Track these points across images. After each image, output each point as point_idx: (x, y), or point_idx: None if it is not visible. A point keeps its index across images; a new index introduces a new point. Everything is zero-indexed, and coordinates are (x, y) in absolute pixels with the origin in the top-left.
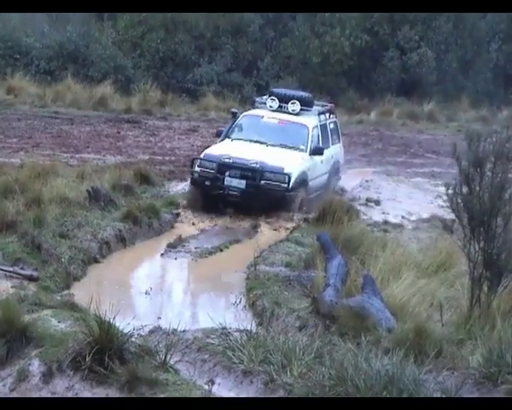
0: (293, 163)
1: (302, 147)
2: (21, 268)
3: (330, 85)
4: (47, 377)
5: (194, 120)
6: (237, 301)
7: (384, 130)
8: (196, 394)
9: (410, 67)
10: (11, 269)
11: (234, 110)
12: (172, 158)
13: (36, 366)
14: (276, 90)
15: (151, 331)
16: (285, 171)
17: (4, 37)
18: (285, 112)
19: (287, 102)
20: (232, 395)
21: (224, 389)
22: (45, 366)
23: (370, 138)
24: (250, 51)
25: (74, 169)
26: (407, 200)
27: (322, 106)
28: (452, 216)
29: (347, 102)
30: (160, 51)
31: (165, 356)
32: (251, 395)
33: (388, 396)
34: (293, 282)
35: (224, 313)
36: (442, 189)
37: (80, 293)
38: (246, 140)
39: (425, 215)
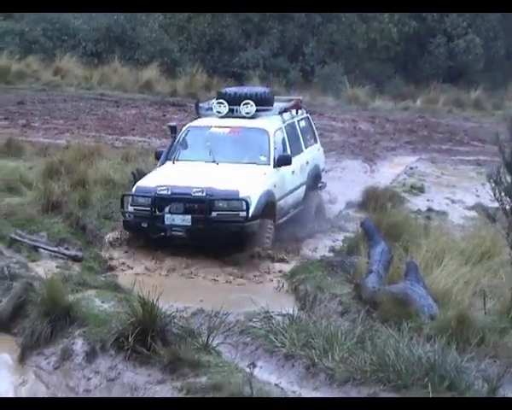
0: (251, 183)
1: (263, 159)
2: (66, 248)
3: (376, 72)
4: (90, 356)
5: None
6: (280, 286)
7: (430, 117)
8: (238, 376)
9: (457, 54)
10: (56, 249)
11: (172, 124)
12: None
13: (79, 346)
14: (223, 90)
15: (193, 313)
16: (241, 195)
17: (52, 19)
18: (238, 116)
19: (239, 104)
20: (273, 378)
21: (265, 372)
22: (89, 345)
23: (416, 125)
24: (296, 36)
25: (119, 151)
26: (451, 188)
27: (287, 101)
28: (496, 205)
29: (393, 89)
30: (207, 35)
31: (208, 338)
32: (292, 379)
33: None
34: (336, 267)
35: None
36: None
37: (124, 274)
38: (191, 160)
39: (469, 203)
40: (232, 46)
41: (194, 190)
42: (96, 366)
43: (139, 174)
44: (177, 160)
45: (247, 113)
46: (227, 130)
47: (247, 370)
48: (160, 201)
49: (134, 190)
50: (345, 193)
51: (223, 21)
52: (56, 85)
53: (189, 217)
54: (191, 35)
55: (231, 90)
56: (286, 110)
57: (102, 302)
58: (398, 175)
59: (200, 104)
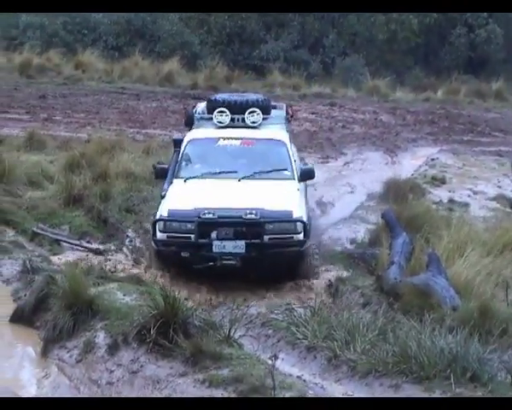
0: (294, 202)
1: (287, 173)
2: (88, 242)
3: (396, 63)
4: (112, 349)
5: None
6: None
7: (451, 108)
8: (260, 368)
9: (478, 45)
10: (78, 242)
11: (177, 137)
12: None
13: (102, 339)
14: (220, 97)
15: (215, 306)
16: (294, 216)
17: (72, 13)
18: (240, 126)
19: (242, 113)
20: (295, 370)
21: (287, 364)
22: (111, 338)
23: (437, 116)
24: (316, 28)
25: (140, 144)
26: (473, 179)
27: (284, 108)
28: None
29: (414, 80)
30: (227, 27)
31: (229, 331)
32: (314, 371)
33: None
34: (358, 259)
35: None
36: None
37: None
38: (205, 177)
39: (491, 194)
40: (252, 39)
41: (247, 211)
42: (118, 358)
43: (160, 168)
44: (188, 178)
45: (254, 122)
46: (238, 142)
47: (269, 362)
48: (205, 226)
49: (166, 213)
50: (366, 185)
51: (243, 14)
52: (78, 79)
53: (242, 243)
54: (211, 28)
55: (230, 97)
56: (290, 118)
57: (124, 295)
58: (419, 166)
59: (195, 112)
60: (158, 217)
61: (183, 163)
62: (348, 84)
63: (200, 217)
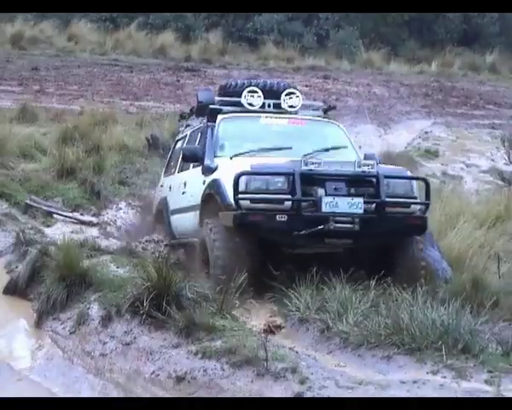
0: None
1: (351, 154)
2: (81, 214)
3: (390, 35)
4: (106, 321)
5: (253, 70)
6: None
7: (445, 81)
8: (252, 340)
9: (472, 17)
10: (71, 215)
11: (215, 106)
12: None
13: (95, 310)
14: (251, 81)
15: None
16: (407, 174)
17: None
18: (274, 112)
19: (277, 96)
20: (288, 342)
21: (280, 336)
22: (104, 310)
23: (431, 89)
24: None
25: (133, 117)
26: (466, 152)
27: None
28: (511, 168)
29: (408, 53)
30: None
31: (222, 302)
32: (307, 342)
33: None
34: None
35: None
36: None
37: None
38: (255, 155)
39: (484, 167)
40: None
41: (360, 163)
42: (111, 330)
43: (153, 140)
44: (234, 155)
45: (292, 106)
46: (285, 121)
47: (262, 334)
48: (310, 179)
49: (252, 168)
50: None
51: None
52: (70, 51)
53: (359, 200)
54: None
55: (263, 81)
56: (329, 109)
57: (117, 267)
58: (412, 139)
59: (215, 96)
60: (236, 174)
61: (222, 142)
62: (342, 56)
63: (301, 168)
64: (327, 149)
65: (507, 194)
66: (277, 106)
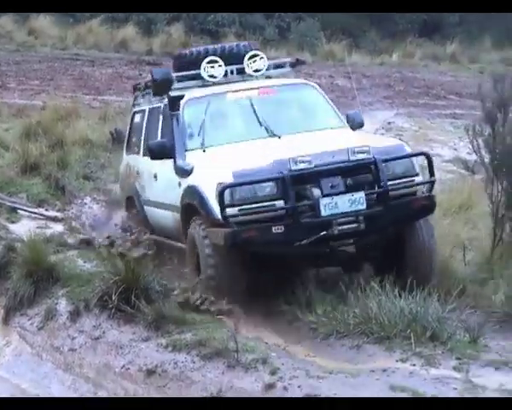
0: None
1: (335, 121)
2: (46, 209)
3: (352, 27)
4: (74, 316)
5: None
6: None
7: (406, 71)
8: (222, 332)
9: None
10: (36, 210)
11: (175, 94)
12: None
13: (63, 306)
14: (197, 49)
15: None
16: (406, 150)
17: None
18: (237, 80)
19: (238, 61)
20: (256, 334)
21: (249, 327)
22: (72, 305)
23: (392, 80)
24: None
25: (96, 111)
26: (429, 142)
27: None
28: (474, 157)
29: (369, 44)
30: None
31: (192, 295)
32: (274, 334)
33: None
34: None
35: None
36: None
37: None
38: (230, 142)
39: (447, 157)
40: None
41: (354, 150)
42: (80, 325)
43: (117, 134)
44: (207, 147)
45: (257, 70)
46: (254, 92)
47: (232, 326)
48: (303, 181)
49: (235, 178)
50: None
51: None
52: (31, 46)
53: (360, 195)
54: None
55: (219, 46)
56: (297, 64)
57: (85, 262)
58: (375, 130)
59: (168, 75)
60: (219, 186)
61: (189, 131)
62: (304, 48)
63: (290, 170)
64: (311, 121)
65: (470, 182)
66: (241, 72)
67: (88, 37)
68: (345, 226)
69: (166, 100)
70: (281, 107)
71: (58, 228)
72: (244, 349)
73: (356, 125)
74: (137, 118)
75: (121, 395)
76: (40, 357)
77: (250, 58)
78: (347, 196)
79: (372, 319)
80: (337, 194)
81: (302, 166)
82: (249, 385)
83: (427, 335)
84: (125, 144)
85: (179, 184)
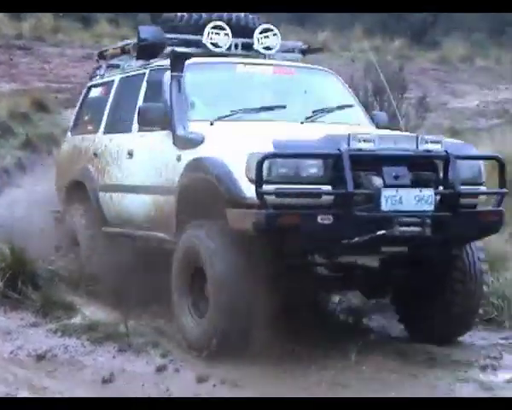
0: None
1: (359, 116)
2: None
3: None
4: None
5: (88, 48)
6: None
7: None
8: (113, 316)
9: None
10: None
11: (178, 51)
12: (68, 86)
13: None
14: (211, 15)
15: (63, 255)
16: (476, 151)
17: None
18: (244, 55)
19: (245, 35)
20: (147, 317)
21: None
22: None
23: None
24: None
25: None
26: None
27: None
28: None
29: None
30: None
31: (80, 281)
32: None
33: None
34: None
35: None
36: None
37: None
38: (243, 119)
39: None
40: None
41: (425, 139)
42: None
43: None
44: (217, 119)
45: (268, 48)
46: (268, 69)
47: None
48: (363, 164)
49: (272, 148)
50: None
51: None
52: None
53: (429, 193)
54: None
55: (228, 15)
56: (310, 51)
57: None
58: None
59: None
60: (253, 155)
61: (191, 98)
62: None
63: (350, 148)
64: (330, 111)
65: None
66: (248, 47)
67: None
68: (407, 228)
69: (154, 65)
70: (298, 91)
71: None
72: (135, 333)
73: (381, 127)
74: (96, 92)
75: (10, 380)
76: None
77: (262, 32)
78: (414, 192)
79: None
80: (402, 187)
81: (365, 145)
82: (141, 368)
83: None
84: (72, 123)
85: (178, 158)
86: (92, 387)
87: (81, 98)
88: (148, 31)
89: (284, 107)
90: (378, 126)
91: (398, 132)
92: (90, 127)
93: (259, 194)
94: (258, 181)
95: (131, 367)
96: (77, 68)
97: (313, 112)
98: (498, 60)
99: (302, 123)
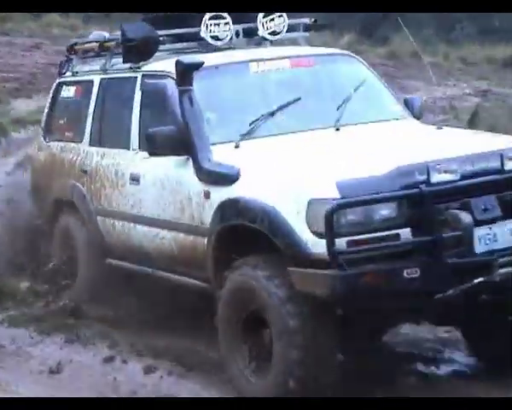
0: None
1: (395, 109)
2: None
3: None
4: None
5: (37, 37)
6: None
7: None
8: (61, 309)
9: None
10: None
11: (188, 61)
12: (17, 75)
13: None
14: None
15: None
16: None
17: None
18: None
19: (250, 19)
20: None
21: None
22: None
23: None
24: None
25: None
26: None
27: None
28: None
29: None
30: None
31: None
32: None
33: None
34: None
35: None
36: None
37: None
38: (270, 135)
39: None
40: None
41: (508, 154)
42: None
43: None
44: (241, 139)
45: (275, 33)
46: (285, 63)
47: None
48: (444, 198)
49: (338, 193)
50: None
51: None
52: None
53: None
54: None
55: None
56: (315, 28)
57: None
58: None
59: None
60: (317, 203)
61: (208, 115)
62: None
63: (431, 182)
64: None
65: None
66: (250, 33)
67: None
68: (507, 270)
69: (146, 70)
70: (322, 85)
71: None
72: (83, 325)
73: (416, 114)
74: (69, 91)
75: None
76: None
77: (266, 16)
78: (508, 225)
79: None
80: (494, 221)
81: (447, 177)
82: (88, 359)
83: None
84: (44, 126)
85: (207, 195)
86: (39, 377)
87: (51, 96)
88: (136, 29)
89: (314, 112)
90: (415, 115)
91: (476, 148)
92: (68, 134)
93: (331, 253)
94: (331, 235)
95: (79, 358)
96: (26, 58)
97: (338, 107)
98: (446, 57)
99: (338, 129)
